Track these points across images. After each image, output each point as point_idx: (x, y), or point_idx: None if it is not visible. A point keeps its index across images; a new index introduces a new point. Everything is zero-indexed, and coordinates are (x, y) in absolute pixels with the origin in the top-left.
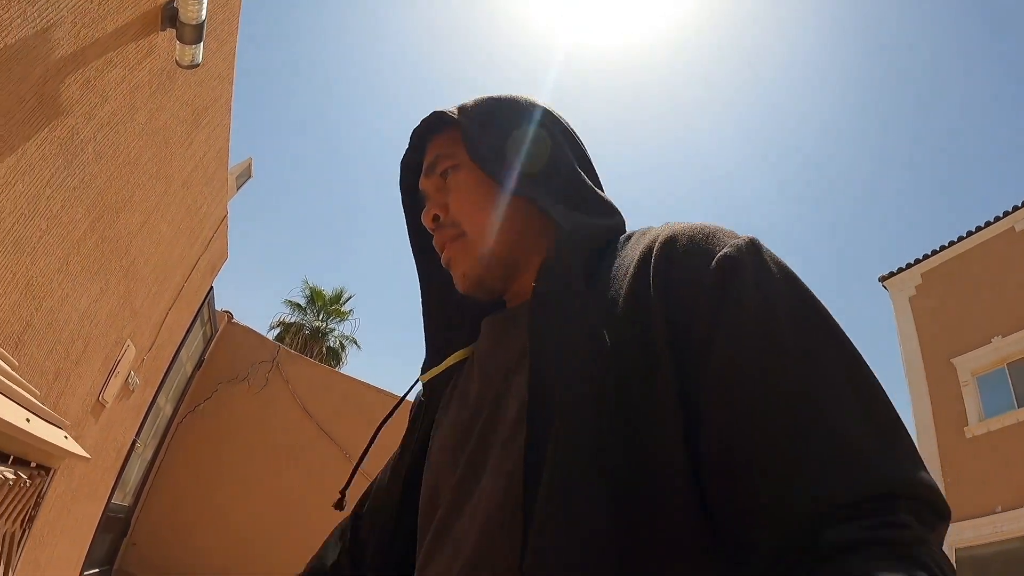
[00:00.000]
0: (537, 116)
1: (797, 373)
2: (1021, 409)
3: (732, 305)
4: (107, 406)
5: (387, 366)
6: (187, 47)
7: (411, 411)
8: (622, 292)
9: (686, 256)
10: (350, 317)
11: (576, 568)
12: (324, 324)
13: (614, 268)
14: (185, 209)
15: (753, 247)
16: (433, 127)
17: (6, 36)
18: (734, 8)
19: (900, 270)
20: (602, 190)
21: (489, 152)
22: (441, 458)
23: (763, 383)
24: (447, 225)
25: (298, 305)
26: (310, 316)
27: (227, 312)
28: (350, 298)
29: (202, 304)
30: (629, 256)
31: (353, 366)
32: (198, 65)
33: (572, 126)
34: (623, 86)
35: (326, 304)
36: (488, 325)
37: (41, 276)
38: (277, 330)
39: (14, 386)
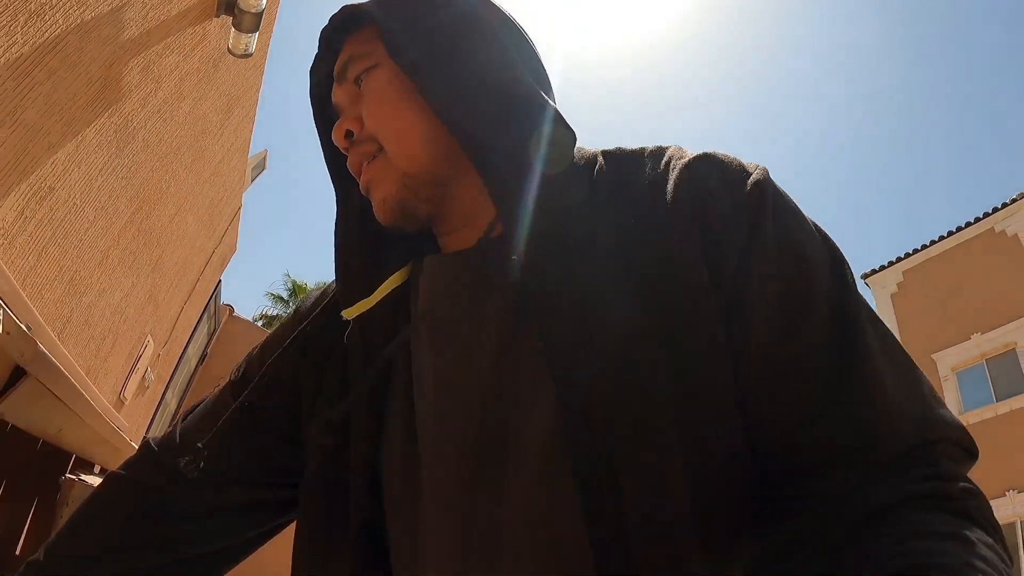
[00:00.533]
0: (474, 7)
1: (830, 321)
2: (999, 403)
3: (762, 248)
4: (126, 403)
5: None
6: (243, 35)
7: (305, 329)
8: (643, 231)
9: (714, 193)
10: None
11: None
12: None
13: (617, 200)
14: (208, 201)
15: (772, 183)
16: (347, 27)
17: (84, 11)
18: (714, 21)
19: (882, 268)
20: (554, 101)
21: (412, 46)
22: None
23: (797, 334)
24: (362, 141)
25: (280, 298)
26: (292, 309)
27: (228, 306)
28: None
29: (210, 298)
30: (633, 188)
31: None
32: (251, 55)
33: (520, 23)
34: (603, 93)
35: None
36: (436, 270)
37: (84, 269)
38: (260, 323)
39: (97, 392)
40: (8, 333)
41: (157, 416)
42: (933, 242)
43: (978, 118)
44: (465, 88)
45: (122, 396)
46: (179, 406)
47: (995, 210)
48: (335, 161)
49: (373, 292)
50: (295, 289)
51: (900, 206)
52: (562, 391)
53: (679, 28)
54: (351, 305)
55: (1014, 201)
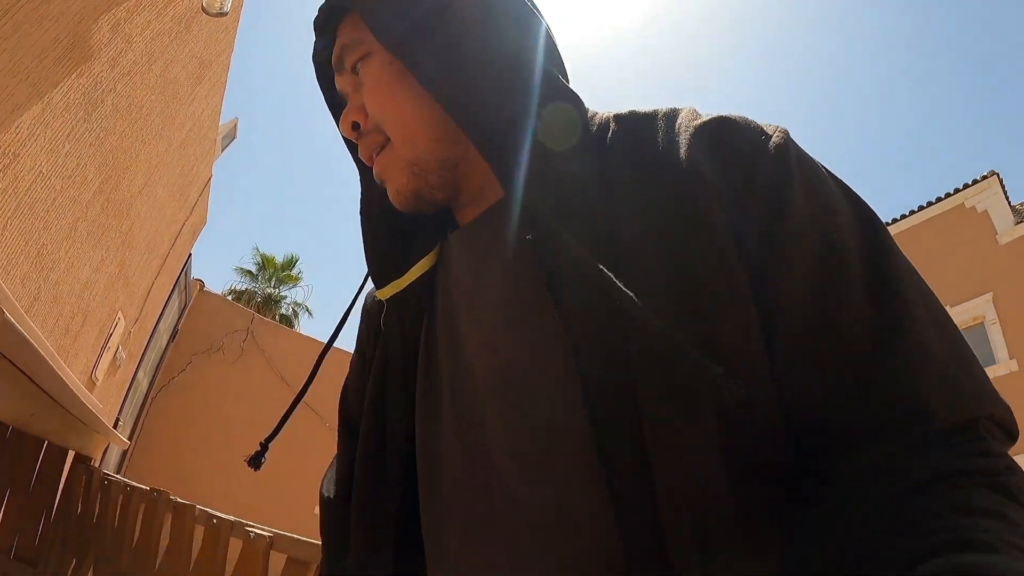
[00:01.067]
0: None
1: (869, 285)
2: None
3: (789, 212)
4: (98, 384)
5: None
6: None
7: (363, 334)
8: (660, 195)
9: (734, 156)
10: (301, 283)
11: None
12: (276, 291)
13: (631, 164)
14: (179, 171)
15: (794, 144)
16: (336, 13)
17: None
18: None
19: None
20: (565, 78)
21: (396, 26)
22: (443, 433)
23: (834, 301)
24: (369, 132)
25: (249, 272)
26: (262, 283)
27: (199, 280)
28: (297, 261)
29: (181, 272)
30: (648, 151)
31: (306, 333)
32: (226, 14)
33: None
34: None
35: (277, 271)
36: (457, 243)
37: (51, 243)
38: (229, 298)
39: (70, 371)
40: None
41: (129, 396)
42: (904, 216)
43: (950, 94)
44: (453, 62)
45: (93, 376)
46: (151, 385)
47: (966, 186)
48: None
49: (405, 272)
50: (264, 263)
51: (870, 180)
52: (579, 357)
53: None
54: (384, 287)
55: (984, 178)
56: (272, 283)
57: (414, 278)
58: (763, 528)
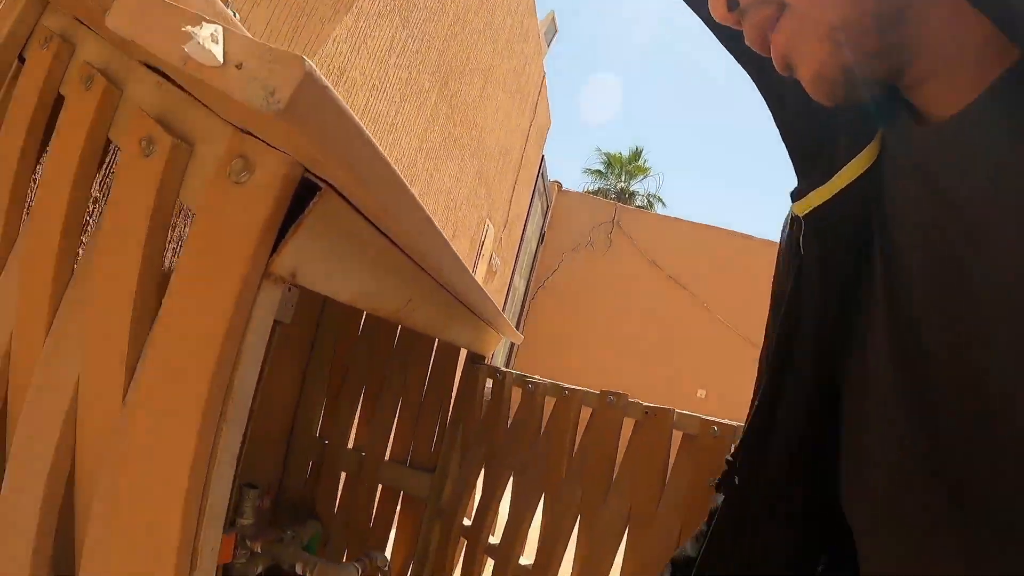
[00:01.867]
0: None
1: None
2: None
3: None
4: None
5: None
6: None
7: (782, 263)
8: None
9: None
10: (651, 173)
11: None
12: (627, 185)
13: None
14: (512, 71)
15: None
16: None
17: None
18: None
19: None
20: None
21: None
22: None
23: None
24: (752, 5)
25: (599, 172)
26: (612, 180)
27: (556, 182)
28: (642, 152)
29: (538, 175)
30: None
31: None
32: None
33: None
34: None
35: (624, 165)
36: (941, 142)
37: (404, 156)
38: None
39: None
40: (239, 66)
41: (508, 300)
42: None
43: None
44: None
45: None
46: (527, 289)
47: None
48: (730, 38)
49: (830, 178)
50: (610, 161)
51: None
52: None
53: None
54: (800, 199)
55: None
56: (622, 178)
57: (841, 187)
58: None
